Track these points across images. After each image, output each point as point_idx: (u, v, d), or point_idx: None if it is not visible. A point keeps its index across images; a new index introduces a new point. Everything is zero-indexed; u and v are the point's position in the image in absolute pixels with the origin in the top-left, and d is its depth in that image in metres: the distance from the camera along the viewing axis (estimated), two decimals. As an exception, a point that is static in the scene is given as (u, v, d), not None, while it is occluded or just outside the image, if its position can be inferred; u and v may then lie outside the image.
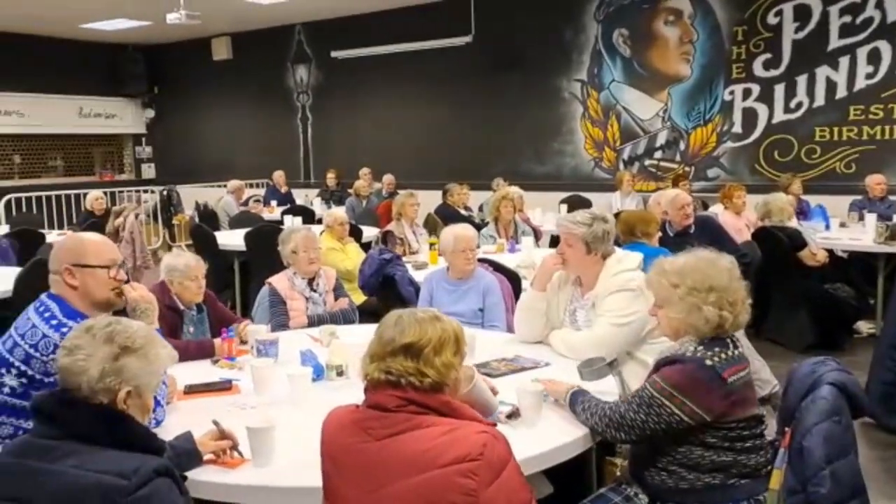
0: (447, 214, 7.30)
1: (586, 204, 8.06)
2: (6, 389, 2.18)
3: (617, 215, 3.74)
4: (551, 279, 3.10)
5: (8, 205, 10.38)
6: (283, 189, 10.59)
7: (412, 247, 5.91)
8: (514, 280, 4.19)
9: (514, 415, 2.25)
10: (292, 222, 7.31)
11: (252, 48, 12.67)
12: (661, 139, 9.56)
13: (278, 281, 3.89)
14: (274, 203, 9.81)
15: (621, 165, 9.74)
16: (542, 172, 10.25)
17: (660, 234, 4.38)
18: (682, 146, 9.42)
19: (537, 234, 6.42)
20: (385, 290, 4.56)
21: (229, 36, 12.75)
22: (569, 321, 3.05)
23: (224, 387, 2.73)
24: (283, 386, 2.59)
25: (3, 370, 2.20)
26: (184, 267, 3.33)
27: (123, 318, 1.91)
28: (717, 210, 6.43)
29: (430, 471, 1.57)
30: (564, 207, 8.04)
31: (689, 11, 9.14)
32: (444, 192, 8.26)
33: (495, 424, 1.87)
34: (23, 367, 2.18)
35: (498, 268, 4.23)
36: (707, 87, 9.14)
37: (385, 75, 11.35)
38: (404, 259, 4.93)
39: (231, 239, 6.88)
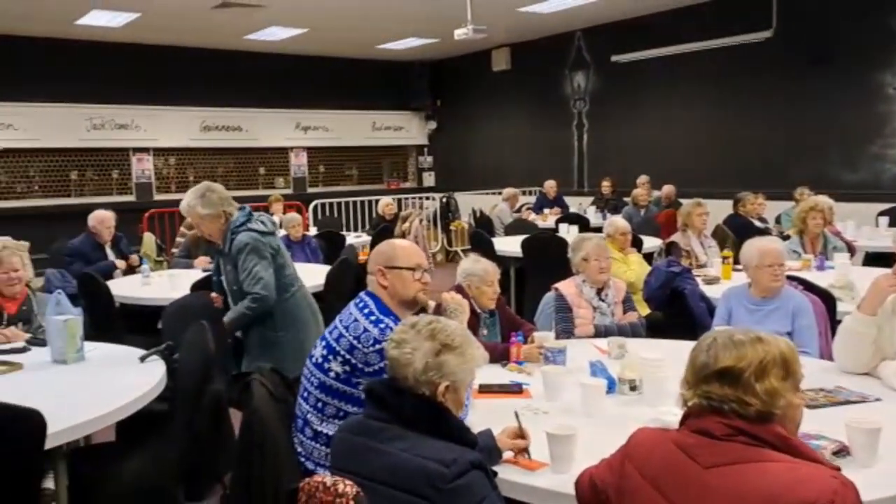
0: (739, 225, 6.82)
1: (915, 217, 7.09)
2: (332, 374, 2.44)
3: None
4: (884, 303, 2.78)
5: (315, 209, 11.67)
6: (552, 196, 10.66)
7: (700, 259, 5.56)
8: (827, 301, 3.77)
9: (841, 452, 2.03)
10: (568, 230, 7.37)
11: (530, 57, 12.92)
12: None
13: (566, 287, 3.88)
14: (546, 211, 9.94)
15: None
16: (855, 181, 9.07)
17: None
18: None
19: (851, 250, 5.69)
20: (672, 305, 4.35)
21: (509, 47, 13.15)
22: (905, 348, 2.71)
23: (516, 390, 2.81)
24: (574, 394, 2.59)
25: (331, 357, 2.46)
26: (482, 272, 3.48)
27: (443, 318, 2.06)
28: None
29: None
30: (884, 220, 7.17)
31: None
32: (735, 201, 7.66)
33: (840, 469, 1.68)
34: (347, 356, 2.42)
35: (809, 286, 3.83)
36: None
37: (668, 78, 10.91)
38: (694, 272, 4.68)
39: (508, 245, 7.05)
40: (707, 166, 10.42)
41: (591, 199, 10.95)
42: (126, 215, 8.39)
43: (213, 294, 4.12)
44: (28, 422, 2.22)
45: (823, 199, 5.72)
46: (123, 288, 5.11)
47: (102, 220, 6.13)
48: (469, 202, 11.99)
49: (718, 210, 7.75)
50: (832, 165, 9.30)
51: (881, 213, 7.63)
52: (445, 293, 2.91)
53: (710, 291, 4.31)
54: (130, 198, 12.11)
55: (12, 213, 10.39)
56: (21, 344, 3.46)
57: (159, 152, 12.50)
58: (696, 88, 10.72)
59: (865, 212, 7.80)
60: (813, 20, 9.28)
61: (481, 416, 2.45)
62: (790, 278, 3.80)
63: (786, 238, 5.71)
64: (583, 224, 8.12)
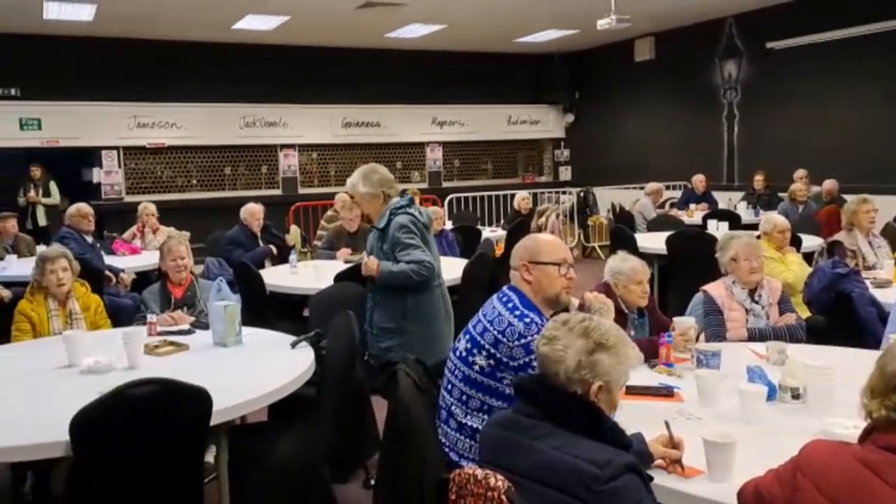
0: (913, 224, 6.27)
1: None
2: (476, 367, 2.44)
3: None
4: None
5: (450, 203, 11.79)
6: (700, 191, 10.19)
7: (867, 260, 5.10)
8: None
9: None
10: (717, 227, 7.03)
11: (676, 46, 12.44)
12: None
13: (715, 289, 3.70)
14: (693, 206, 9.51)
15: None
16: None
17: None
18: None
19: None
20: (837, 309, 4.03)
21: (653, 36, 12.73)
22: None
23: (665, 393, 2.71)
24: (730, 400, 2.47)
25: (476, 350, 2.45)
26: (630, 271, 3.38)
27: (595, 316, 2.00)
28: None
29: None
30: None
31: None
32: (908, 197, 7.08)
33: None
34: (492, 350, 2.41)
35: None
36: None
37: (828, 65, 10.13)
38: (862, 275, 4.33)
39: (651, 242, 6.83)
40: (871, 160, 9.60)
41: (741, 194, 10.38)
42: (273, 208, 8.86)
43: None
44: (197, 399, 2.38)
45: None
46: (273, 277, 5.38)
47: (253, 213, 6.64)
48: (607, 197, 11.74)
49: (886, 207, 7.11)
50: None
51: None
52: (588, 293, 2.83)
53: (882, 296, 4.00)
54: (277, 191, 12.72)
55: (174, 205, 11.12)
56: (186, 326, 3.73)
57: (304, 148, 13.05)
58: (859, 76, 9.89)
59: None
60: None
61: (628, 418, 2.35)
62: None
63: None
64: (733, 221, 7.69)
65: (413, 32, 11.61)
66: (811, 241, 6.28)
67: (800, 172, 9.09)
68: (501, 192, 12.51)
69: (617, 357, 1.87)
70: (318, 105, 12.75)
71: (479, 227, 8.59)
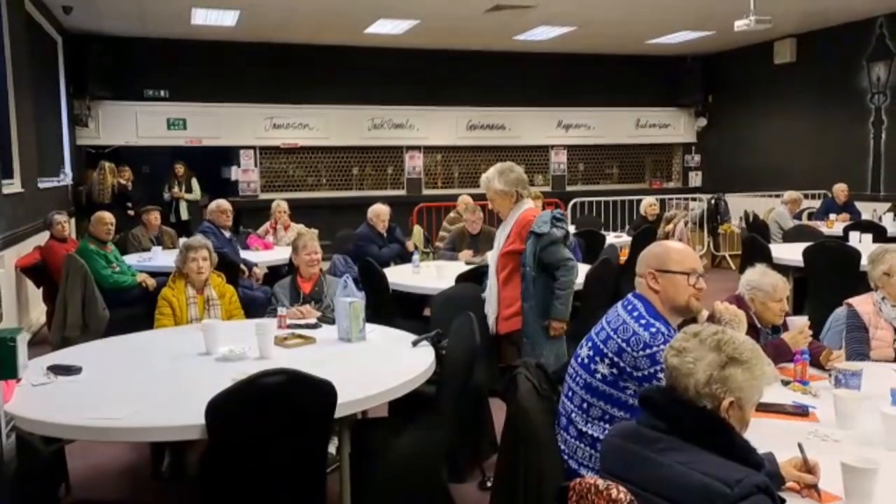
0: None
1: None
2: (598, 375, 2.40)
3: None
4: None
5: (574, 207, 11.65)
6: (842, 201, 9.59)
7: None
8: None
9: None
10: (860, 239, 6.60)
11: (819, 48, 11.77)
12: None
13: (861, 304, 3.49)
14: (833, 217, 8.97)
15: None
16: None
17: None
18: None
19: None
20: None
21: (795, 37, 12.10)
22: None
23: (801, 412, 2.59)
24: (871, 424, 2.33)
25: (598, 358, 2.41)
26: (770, 287, 3.25)
27: (729, 329, 1.92)
28: None
29: None
30: None
31: None
32: None
33: None
34: (615, 359, 2.37)
35: None
36: None
37: None
38: None
39: (787, 253, 6.51)
40: None
41: (887, 205, 9.70)
42: (397, 208, 9.03)
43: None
44: (323, 391, 2.47)
45: None
46: (397, 275, 5.49)
47: (378, 214, 6.83)
48: (740, 205, 11.25)
49: None
50: None
51: None
52: (719, 303, 2.73)
53: None
54: (402, 192, 12.99)
55: (304, 203, 11.55)
56: (314, 320, 3.87)
57: (429, 150, 13.26)
58: None
59: None
60: None
61: (760, 436, 2.24)
62: None
63: None
64: (878, 233, 7.20)
65: (543, 35, 11.54)
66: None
67: (958, 182, 8.40)
68: (627, 198, 12.21)
69: (751, 373, 1.79)
70: (443, 107, 12.92)
71: (602, 232, 8.45)
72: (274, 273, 6.36)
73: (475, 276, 4.66)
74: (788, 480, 1.97)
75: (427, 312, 5.04)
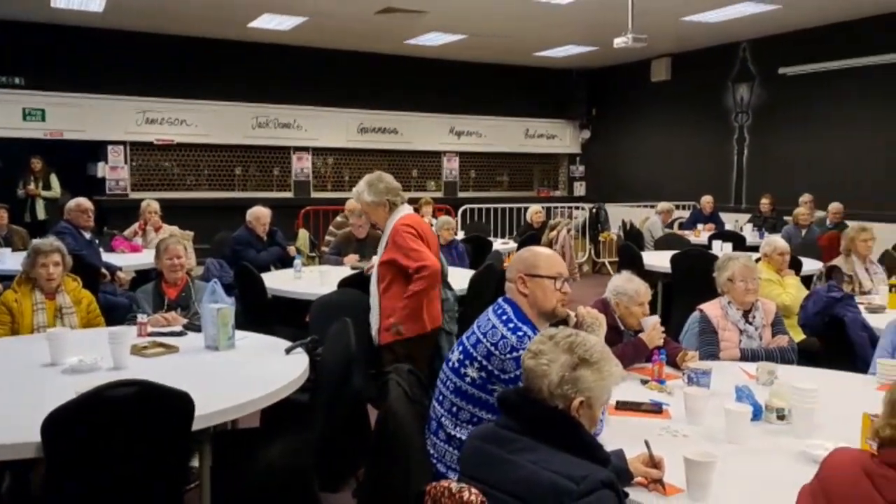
0: (913, 253, 6.28)
1: None
2: (468, 379, 2.44)
3: None
4: None
5: (464, 213, 11.79)
6: (708, 212, 10.23)
7: (864, 286, 5.19)
8: None
9: None
10: (721, 248, 7.02)
11: (692, 68, 12.49)
12: None
13: (711, 308, 3.73)
14: (700, 226, 9.53)
15: None
16: None
17: None
18: None
19: None
20: (830, 333, 4.07)
21: (670, 57, 12.76)
22: None
23: (654, 409, 2.72)
24: (717, 419, 2.49)
25: (468, 362, 2.46)
26: (633, 292, 3.40)
27: (582, 332, 2.01)
28: None
29: None
30: None
31: None
32: (909, 225, 7.11)
33: None
34: (484, 362, 2.42)
35: None
36: None
37: (837, 92, 10.27)
38: (856, 300, 4.35)
39: (656, 260, 6.83)
40: (877, 188, 9.69)
41: (748, 216, 10.41)
42: (283, 211, 8.84)
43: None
44: (178, 403, 2.32)
45: None
46: (276, 281, 5.34)
47: (258, 217, 6.53)
48: (620, 214, 11.73)
49: (889, 234, 7.19)
50: None
51: None
52: (582, 308, 2.85)
53: (874, 321, 4.02)
54: (289, 194, 12.70)
55: (183, 203, 11.04)
56: (179, 328, 3.69)
57: (318, 152, 13.03)
58: (867, 104, 10.00)
59: None
60: None
61: (616, 433, 2.40)
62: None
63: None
64: (737, 242, 7.69)
65: (434, 41, 11.65)
66: (812, 265, 6.28)
67: (805, 197, 9.19)
68: (516, 205, 12.51)
69: (600, 373, 1.87)
70: (333, 108, 12.72)
71: (490, 238, 8.59)
72: (143, 277, 5.99)
73: (358, 282, 4.62)
74: (636, 476, 2.06)
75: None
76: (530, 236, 8.63)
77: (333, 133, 12.92)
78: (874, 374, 3.23)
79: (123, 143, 11.42)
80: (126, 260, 6.42)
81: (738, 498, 2.02)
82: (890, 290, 4.60)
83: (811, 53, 10.46)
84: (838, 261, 5.48)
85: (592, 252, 11.72)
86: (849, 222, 6.69)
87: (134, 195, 11.18)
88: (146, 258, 6.36)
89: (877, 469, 1.49)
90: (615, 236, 11.27)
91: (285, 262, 6.32)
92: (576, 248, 11.14)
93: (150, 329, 3.58)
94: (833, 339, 4.07)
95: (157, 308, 3.97)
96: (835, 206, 8.84)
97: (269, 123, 12.38)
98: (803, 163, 10.72)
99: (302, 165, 12.89)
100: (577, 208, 12.65)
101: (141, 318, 3.62)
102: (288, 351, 3.27)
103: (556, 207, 12.96)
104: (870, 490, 1.47)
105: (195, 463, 2.66)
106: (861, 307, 4.27)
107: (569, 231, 11.01)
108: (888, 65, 9.53)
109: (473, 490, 1.71)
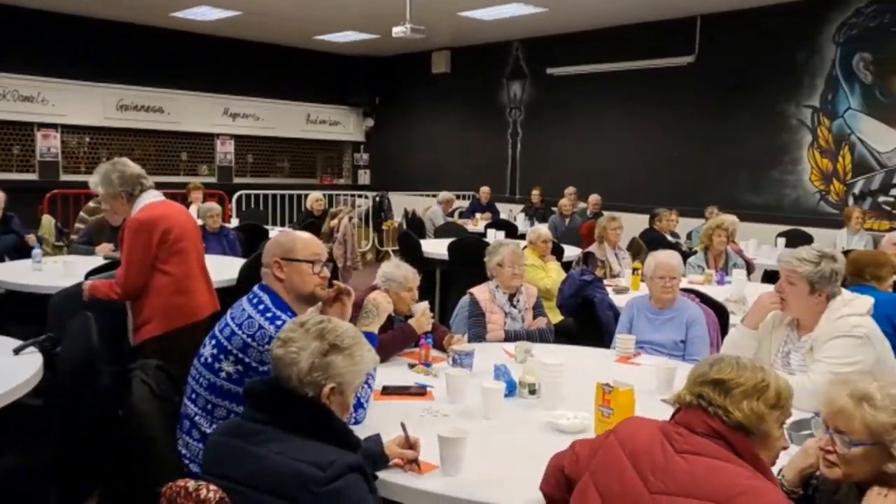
0: (653, 240, 6.99)
1: (808, 239, 7.44)
2: (223, 374, 2.30)
3: (845, 254, 3.36)
4: (765, 318, 2.92)
5: (239, 200, 11.31)
6: (485, 201, 10.74)
7: (613, 270, 5.74)
8: (721, 314, 3.97)
9: None
10: (495, 236, 7.36)
11: (470, 63, 12.96)
12: (900, 175, 8.59)
13: (480, 292, 3.89)
14: (478, 216, 9.97)
15: (851, 200, 8.83)
16: (759, 203, 9.54)
17: (895, 279, 3.85)
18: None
19: (750, 268, 6.02)
20: (583, 312, 4.42)
21: (449, 50, 13.14)
22: (781, 364, 2.85)
23: (419, 392, 2.78)
24: (476, 397, 2.58)
25: (223, 356, 2.31)
26: (402, 278, 3.41)
27: (334, 318, 1.96)
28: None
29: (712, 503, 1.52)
30: (782, 241, 7.49)
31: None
32: (651, 216, 7.95)
33: None
34: (240, 355, 2.29)
35: (705, 300, 4.01)
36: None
37: (598, 94, 11.19)
38: (605, 282, 4.76)
39: (435, 247, 7.00)
40: (630, 182, 10.70)
41: (521, 206, 11.04)
42: (26, 195, 7.92)
43: None
44: None
45: (730, 219, 6.04)
46: (12, 273, 4.77)
47: None
48: (403, 203, 11.91)
49: (637, 223, 7.99)
50: (740, 188, 9.76)
51: (780, 235, 8.07)
52: (374, 293, 2.85)
53: (620, 301, 4.39)
54: (33, 176, 11.35)
55: None
56: None
57: (69, 129, 11.75)
58: (622, 106, 11.01)
59: (767, 232, 8.26)
60: (730, 49, 9.70)
61: (381, 417, 2.41)
62: (688, 291, 4.02)
63: (694, 253, 5.92)
64: (510, 230, 8.15)
65: (203, 15, 10.94)
66: (573, 252, 6.77)
67: (569, 189, 9.99)
68: (297, 192, 12.16)
69: (351, 359, 1.85)
70: (86, 83, 11.48)
71: (267, 226, 8.33)
72: None
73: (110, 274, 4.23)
74: (392, 458, 2.07)
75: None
76: (310, 224, 8.48)
77: (86, 109, 11.65)
78: (615, 349, 3.53)
79: None
80: None
81: (488, 469, 2.09)
82: (633, 273, 5.06)
83: (575, 56, 11.26)
84: (593, 247, 6.02)
85: (376, 240, 11.81)
86: (606, 213, 7.32)
87: None
88: None
89: (671, 428, 1.66)
90: (398, 225, 11.45)
91: (21, 251, 5.65)
92: (359, 236, 11.16)
93: None
94: (585, 319, 4.41)
95: None
96: (594, 198, 9.70)
97: (6, 95, 10.91)
98: (568, 157, 11.57)
99: (49, 144, 11.50)
100: (360, 196, 12.66)
101: None
102: (17, 351, 2.92)
103: (339, 195, 12.88)
104: (663, 442, 1.62)
105: None
106: (609, 289, 4.66)
107: (350, 219, 11.00)
108: (640, 70, 10.51)
109: (212, 487, 1.61)
